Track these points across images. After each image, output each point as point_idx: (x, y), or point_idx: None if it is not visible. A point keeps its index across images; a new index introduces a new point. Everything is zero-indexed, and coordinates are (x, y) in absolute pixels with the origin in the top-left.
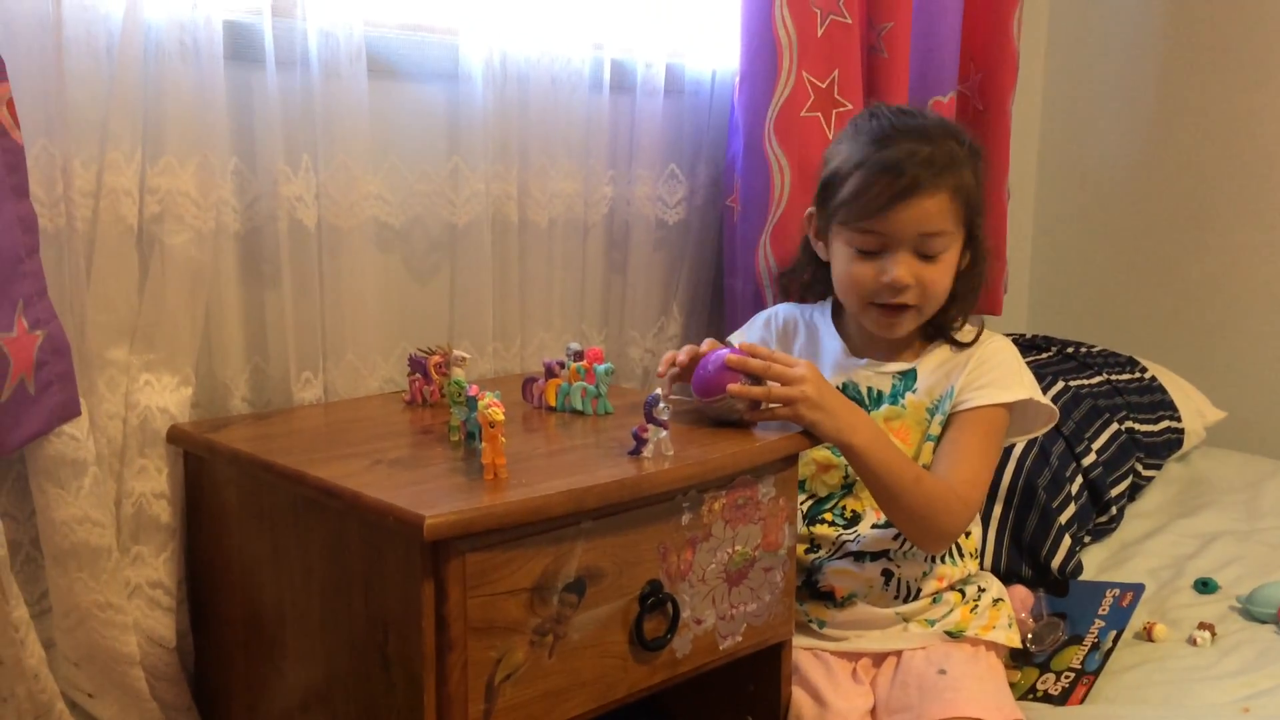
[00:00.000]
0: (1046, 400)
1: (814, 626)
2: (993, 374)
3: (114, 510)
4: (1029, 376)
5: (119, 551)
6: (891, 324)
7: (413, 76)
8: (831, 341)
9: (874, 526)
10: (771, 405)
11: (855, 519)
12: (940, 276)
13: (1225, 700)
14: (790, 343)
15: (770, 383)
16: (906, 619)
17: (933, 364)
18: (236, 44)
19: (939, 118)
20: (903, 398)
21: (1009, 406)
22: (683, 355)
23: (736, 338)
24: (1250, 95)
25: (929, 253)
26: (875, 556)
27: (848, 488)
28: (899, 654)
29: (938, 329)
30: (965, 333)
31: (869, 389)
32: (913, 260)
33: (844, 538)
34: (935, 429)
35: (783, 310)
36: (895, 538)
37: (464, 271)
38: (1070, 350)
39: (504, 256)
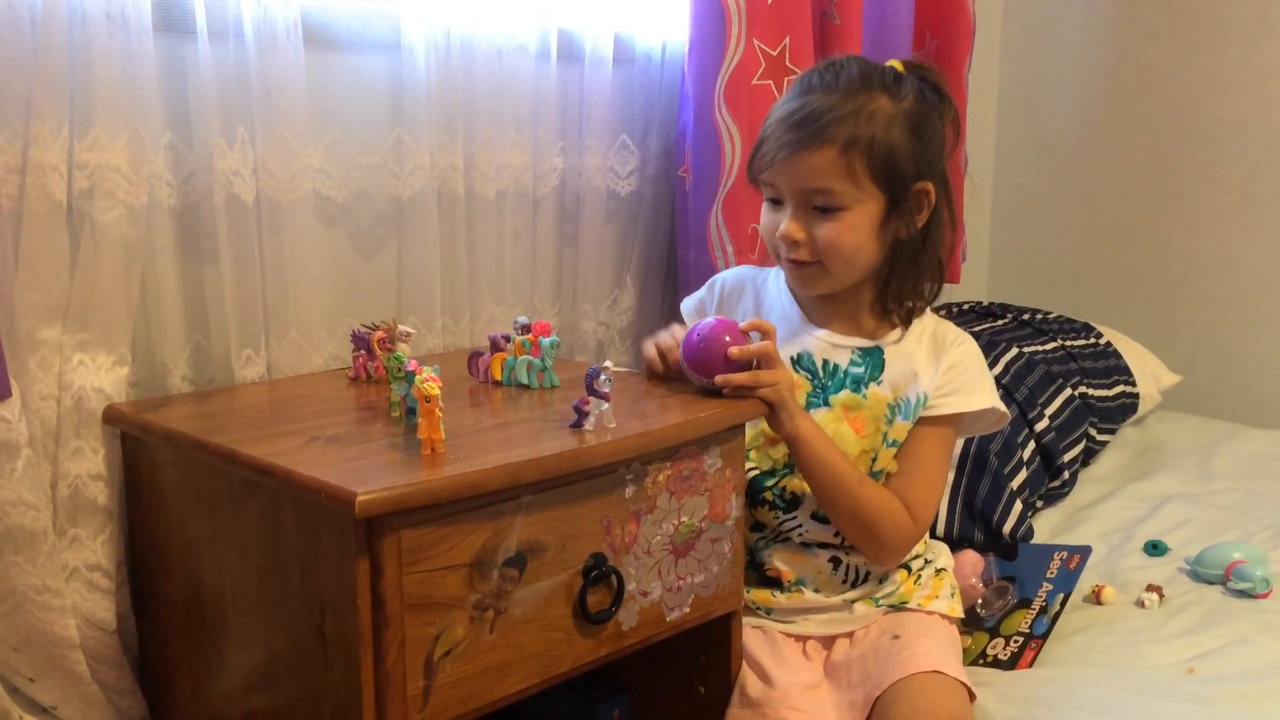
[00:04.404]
0: (1004, 408)
1: (760, 613)
2: (962, 378)
3: (49, 493)
4: (991, 380)
5: (55, 534)
6: (801, 280)
7: (352, 48)
8: (788, 307)
9: (814, 517)
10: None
11: (795, 502)
12: (839, 235)
13: (1171, 661)
14: (734, 305)
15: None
16: (852, 601)
17: (899, 354)
18: (166, 14)
19: (872, 70)
20: (865, 387)
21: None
22: (667, 342)
23: (687, 305)
24: (1206, 59)
25: (821, 207)
26: (823, 545)
27: (789, 467)
28: (850, 634)
29: (892, 303)
30: (928, 320)
31: (824, 361)
32: (806, 215)
33: (784, 524)
34: (897, 434)
35: (732, 274)
36: (836, 534)
37: (411, 245)
38: (1026, 317)
39: (451, 230)
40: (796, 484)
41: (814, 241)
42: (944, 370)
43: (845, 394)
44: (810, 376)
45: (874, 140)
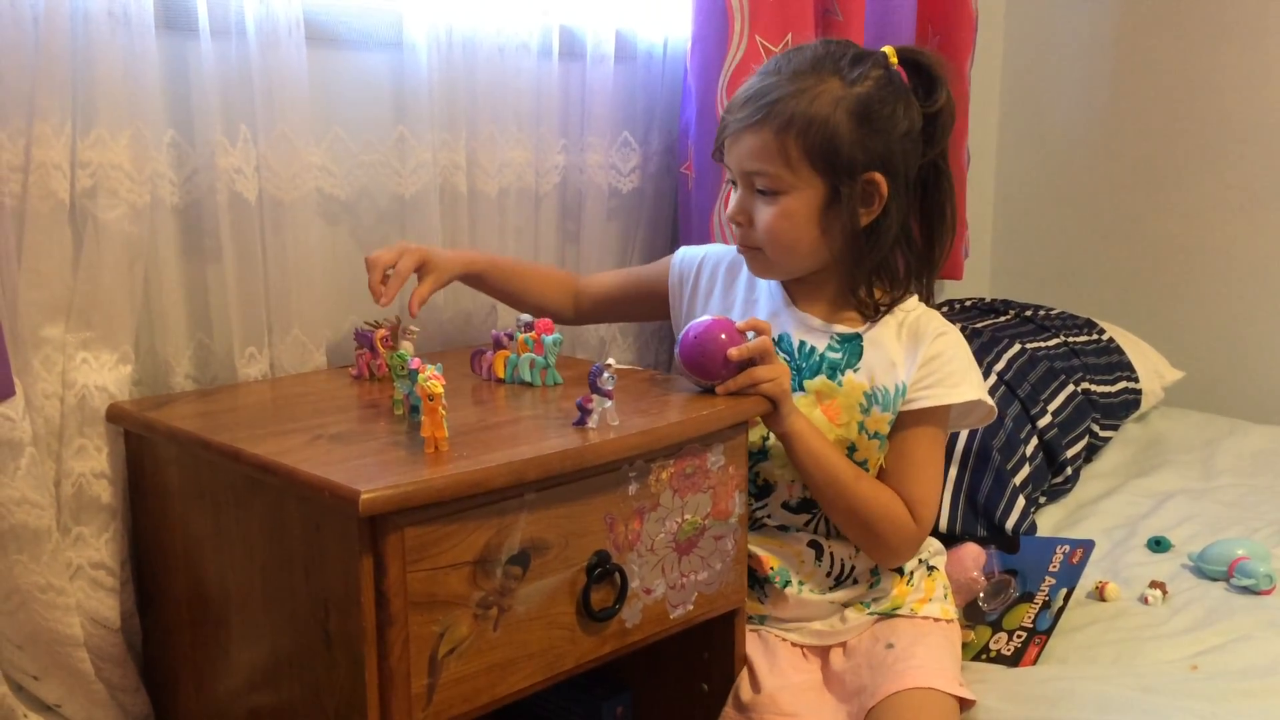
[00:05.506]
0: (991, 401)
1: (754, 621)
2: (943, 370)
3: (53, 491)
4: (977, 374)
5: (59, 533)
6: (751, 265)
7: (355, 45)
8: (774, 287)
9: (784, 506)
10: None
11: (766, 489)
12: (774, 220)
13: (1174, 658)
14: (701, 280)
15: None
16: (844, 605)
17: (877, 342)
18: (169, 12)
19: (830, 53)
20: (841, 374)
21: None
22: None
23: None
24: (1210, 55)
25: (761, 190)
26: (799, 528)
27: (763, 453)
28: (843, 644)
29: (860, 293)
30: (910, 309)
31: (801, 343)
32: (750, 197)
33: (755, 512)
34: (876, 425)
35: (720, 250)
36: (807, 524)
37: (414, 243)
38: (1028, 313)
39: (454, 227)
40: (769, 470)
41: (753, 224)
42: (923, 362)
43: (820, 380)
44: (787, 359)
45: (811, 123)
